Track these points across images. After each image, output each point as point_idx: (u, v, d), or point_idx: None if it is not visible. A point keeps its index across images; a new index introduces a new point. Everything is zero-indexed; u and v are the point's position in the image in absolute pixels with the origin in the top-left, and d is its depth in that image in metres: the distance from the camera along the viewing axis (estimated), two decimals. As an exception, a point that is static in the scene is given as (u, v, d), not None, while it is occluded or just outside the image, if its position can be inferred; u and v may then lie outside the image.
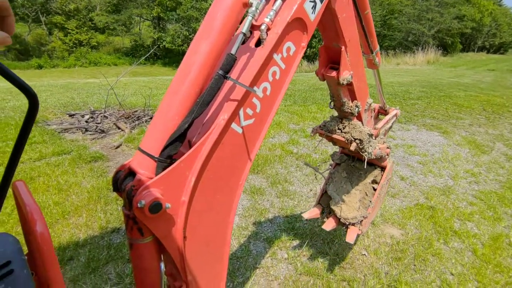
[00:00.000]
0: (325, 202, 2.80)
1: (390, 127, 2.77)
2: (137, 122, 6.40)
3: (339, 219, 2.60)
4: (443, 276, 2.96)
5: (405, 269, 3.03)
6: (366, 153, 2.27)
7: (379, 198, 2.72)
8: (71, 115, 6.89)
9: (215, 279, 1.49)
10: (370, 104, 2.41)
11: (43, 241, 0.86)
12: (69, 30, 33.96)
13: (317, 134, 2.40)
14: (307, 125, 7.20)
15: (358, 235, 2.57)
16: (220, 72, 1.13)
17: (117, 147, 5.41)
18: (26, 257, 1.08)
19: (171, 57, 36.17)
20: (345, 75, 1.93)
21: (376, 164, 2.77)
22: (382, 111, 2.79)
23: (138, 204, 1.01)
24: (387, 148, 2.64)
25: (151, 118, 6.90)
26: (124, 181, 1.14)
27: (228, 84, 1.24)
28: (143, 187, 1.04)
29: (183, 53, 35.88)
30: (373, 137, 2.32)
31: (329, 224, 2.63)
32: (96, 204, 3.74)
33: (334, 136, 2.29)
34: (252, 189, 4.30)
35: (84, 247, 3.06)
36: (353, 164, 2.83)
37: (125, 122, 6.30)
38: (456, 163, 5.60)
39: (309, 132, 6.55)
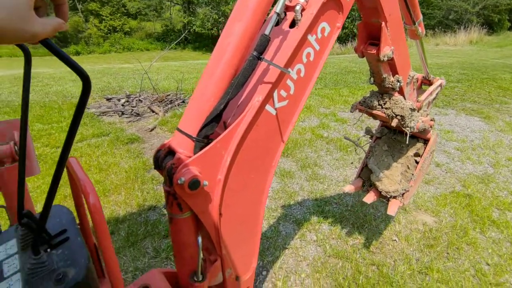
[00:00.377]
0: (365, 176, 2.79)
1: (434, 98, 2.63)
2: (169, 106, 6.58)
3: (380, 192, 2.60)
4: (478, 266, 2.88)
5: (437, 257, 2.98)
6: (408, 128, 2.21)
7: (422, 171, 2.65)
8: (108, 99, 7.21)
9: (248, 255, 1.55)
10: (413, 77, 2.31)
11: (95, 211, 0.94)
12: (104, 17, 34.98)
13: (357, 110, 2.36)
14: (338, 108, 7.07)
15: (399, 207, 2.55)
16: (254, 53, 1.14)
17: (152, 129, 5.62)
18: (79, 227, 1.19)
19: (201, 41, 36.37)
20: (386, 51, 1.86)
21: (419, 136, 2.68)
22: (426, 81, 2.65)
23: (178, 181, 1.07)
24: (431, 120, 2.52)
25: (183, 102, 7.06)
26: (164, 160, 1.21)
27: (262, 65, 1.26)
28: (182, 165, 1.10)
29: (212, 37, 36.02)
30: (416, 111, 2.23)
31: (370, 197, 2.63)
32: (134, 183, 3.95)
33: (375, 112, 2.25)
34: (282, 172, 4.34)
35: (123, 223, 3.26)
36: (394, 137, 2.76)
37: (158, 106, 6.51)
38: (498, 150, 5.30)
39: (340, 116, 6.45)
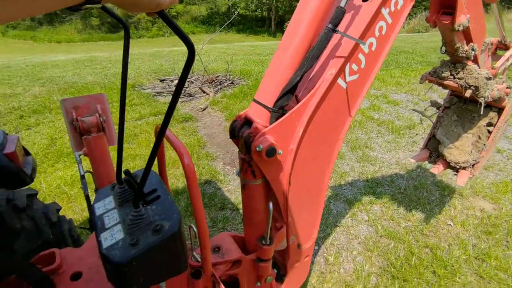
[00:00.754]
0: (433, 147, 2.71)
1: (511, 64, 2.46)
2: (219, 87, 6.77)
3: (449, 163, 2.52)
4: (543, 255, 2.72)
5: (496, 244, 2.85)
6: (482, 98, 2.09)
7: (494, 141, 2.52)
8: (161, 80, 7.58)
9: (310, 225, 1.63)
10: (488, 43, 2.17)
11: (189, 171, 1.05)
12: (152, 2, 36.01)
13: (427, 81, 2.26)
14: (389, 90, 6.79)
15: (469, 178, 2.48)
16: (330, 25, 1.17)
17: (204, 109, 5.85)
18: (166, 187, 1.34)
19: (245, 23, 36.24)
20: (461, 20, 1.77)
21: (493, 105, 2.51)
22: (502, 46, 2.45)
23: (257, 148, 1.16)
24: (507, 88, 2.36)
25: (232, 83, 7.21)
26: (241, 129, 1.30)
27: (334, 39, 1.28)
28: (260, 134, 1.18)
29: (256, 19, 35.61)
30: (491, 79, 2.10)
31: (437, 168, 2.56)
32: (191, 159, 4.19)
33: (446, 82, 2.15)
34: (331, 153, 4.33)
35: (182, 194, 3.51)
36: (465, 106, 2.61)
37: (209, 87, 6.72)
38: None
39: (392, 98, 6.20)
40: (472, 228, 3.05)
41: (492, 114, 2.51)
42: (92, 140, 1.90)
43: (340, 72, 1.28)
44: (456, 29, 1.78)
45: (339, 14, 1.17)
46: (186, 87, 6.82)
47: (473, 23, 1.86)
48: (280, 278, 1.77)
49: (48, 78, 8.60)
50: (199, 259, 1.30)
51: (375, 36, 1.34)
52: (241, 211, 3.24)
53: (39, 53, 17.35)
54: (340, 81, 1.31)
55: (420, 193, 3.53)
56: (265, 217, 1.46)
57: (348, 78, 1.33)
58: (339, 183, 3.72)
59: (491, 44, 2.30)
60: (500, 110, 2.49)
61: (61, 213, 2.12)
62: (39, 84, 7.92)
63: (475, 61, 2.12)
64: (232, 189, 3.63)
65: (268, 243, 1.45)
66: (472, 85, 2.03)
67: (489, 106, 2.53)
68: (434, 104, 2.80)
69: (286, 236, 1.54)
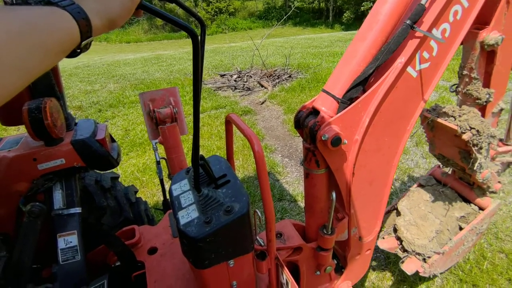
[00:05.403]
0: (389, 219, 2.29)
1: (510, 164, 2.09)
2: (277, 81, 6.82)
3: (402, 241, 2.07)
4: None
5: None
6: (478, 156, 1.71)
7: (463, 242, 2.02)
8: (222, 75, 7.86)
9: (373, 218, 1.61)
10: (501, 110, 1.87)
11: (259, 157, 1.12)
12: (210, 0, 37.23)
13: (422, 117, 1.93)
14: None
15: (417, 272, 1.95)
16: (408, 22, 1.14)
17: (262, 103, 5.96)
18: (234, 172, 1.43)
19: (302, 15, 35.72)
20: (494, 35, 1.56)
21: (473, 200, 2.09)
22: (502, 145, 2.10)
23: (323, 137, 1.18)
24: (498, 182, 1.97)
25: (289, 76, 7.22)
26: (306, 119, 1.33)
27: (411, 34, 1.24)
28: (326, 123, 1.20)
29: (313, 11, 34.85)
30: (495, 139, 1.73)
31: (386, 243, 2.14)
32: (249, 151, 4.33)
33: (443, 121, 1.78)
34: (394, 148, 4.15)
35: (244, 183, 3.64)
36: (442, 190, 2.21)
37: (267, 81, 6.82)
38: None
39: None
40: (561, 235, 2.72)
41: (469, 210, 2.07)
42: (167, 130, 2.08)
43: (410, 60, 1.25)
44: (486, 43, 1.56)
45: (419, 11, 1.15)
46: (245, 82, 7.00)
47: (501, 57, 1.63)
48: (339, 269, 1.78)
49: (121, 75, 9.44)
50: (262, 243, 1.37)
51: (449, 21, 1.27)
52: (299, 202, 3.27)
53: (111, 53, 19.06)
54: (410, 69, 1.27)
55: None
56: (327, 207, 1.48)
57: (419, 66, 1.29)
58: (402, 179, 3.56)
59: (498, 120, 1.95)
60: (480, 210, 2.07)
61: (137, 195, 2.37)
62: (113, 81, 8.74)
63: (483, 112, 1.83)
64: (290, 181, 3.67)
65: (329, 232, 1.47)
66: (474, 128, 1.68)
67: (467, 201, 2.12)
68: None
69: (347, 227, 1.55)
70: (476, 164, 1.75)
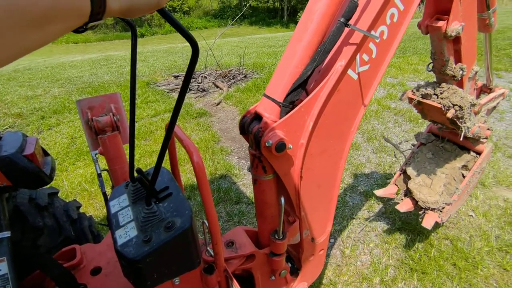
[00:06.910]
0: (402, 183, 2.57)
1: (494, 108, 2.35)
2: (233, 81, 6.77)
3: (417, 201, 2.36)
4: None
5: (521, 235, 2.76)
6: (464, 125, 1.97)
7: (468, 186, 2.35)
8: (175, 77, 7.64)
9: (324, 219, 1.62)
10: (476, 73, 2.07)
11: (199, 168, 1.06)
12: (164, -3, 36.24)
13: (407, 100, 2.14)
14: (406, 78, 6.62)
15: (436, 223, 2.30)
16: (342, 19, 1.14)
17: (218, 104, 5.88)
18: (178, 184, 1.35)
19: (257, 15, 35.99)
20: (455, 26, 1.69)
21: (470, 148, 2.40)
22: (486, 90, 2.37)
23: (266, 144, 1.15)
24: (488, 129, 2.26)
25: (245, 77, 7.19)
26: (250, 125, 1.29)
27: (346, 32, 1.25)
28: (269, 129, 1.17)
29: (268, 10, 35.28)
30: (474, 112, 2.00)
31: (404, 206, 2.41)
32: (205, 154, 4.23)
33: (428, 101, 2.02)
34: (347, 144, 4.27)
35: (198, 190, 3.55)
36: (442, 145, 2.49)
37: (222, 81, 6.73)
38: None
39: (409, 86, 6.03)
40: (495, 219, 2.95)
41: (468, 157, 2.39)
42: (107, 139, 1.94)
43: (350, 63, 1.26)
44: (449, 34, 1.70)
45: (352, 8, 1.15)
46: (200, 83, 6.86)
47: (465, 39, 1.79)
48: (294, 271, 1.77)
49: (66, 78, 8.83)
50: (213, 254, 1.32)
51: (386, 24, 1.30)
52: (256, 205, 3.25)
53: (57, 54, 17.82)
54: (350, 72, 1.28)
55: (439, 183, 3.44)
56: (277, 212, 1.46)
57: (359, 69, 1.30)
58: (355, 174, 3.67)
59: (476, 83, 2.21)
60: (477, 154, 2.39)
61: (82, 210, 2.19)
62: (58, 85, 8.15)
63: (461, 85, 2.04)
64: (247, 183, 3.64)
65: (281, 237, 1.45)
66: (456, 105, 1.91)
67: (466, 149, 2.42)
68: (418, 137, 2.67)
69: (299, 230, 1.54)
70: (464, 128, 1.99)
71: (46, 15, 0.44)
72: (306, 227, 1.55)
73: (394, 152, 3.94)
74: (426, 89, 2.05)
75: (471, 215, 3.04)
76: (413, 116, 4.90)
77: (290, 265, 1.72)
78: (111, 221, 1.22)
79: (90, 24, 0.56)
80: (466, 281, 2.38)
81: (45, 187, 1.75)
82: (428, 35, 1.86)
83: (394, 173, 3.62)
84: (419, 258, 2.59)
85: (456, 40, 1.80)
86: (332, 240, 2.81)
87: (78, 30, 0.58)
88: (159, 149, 0.97)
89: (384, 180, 3.53)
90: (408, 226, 2.89)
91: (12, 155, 1.44)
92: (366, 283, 2.42)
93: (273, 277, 1.63)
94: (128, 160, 2.11)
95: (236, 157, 4.22)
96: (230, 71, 7.34)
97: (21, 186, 1.50)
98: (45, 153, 1.72)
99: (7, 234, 1.44)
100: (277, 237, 1.46)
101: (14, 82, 8.78)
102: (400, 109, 5.20)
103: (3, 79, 9.20)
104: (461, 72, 1.92)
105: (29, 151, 1.51)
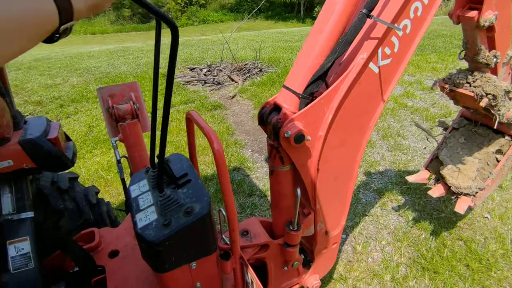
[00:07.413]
0: (434, 168, 2.53)
1: None
2: (248, 74, 6.77)
3: (449, 187, 2.34)
4: None
5: (538, 239, 2.70)
6: (498, 113, 1.93)
7: (502, 170, 2.31)
8: (191, 69, 7.69)
9: (338, 212, 1.63)
10: (511, 58, 2.01)
11: (219, 156, 1.08)
12: (180, -9, 36.28)
13: (439, 88, 2.13)
14: (424, 76, 6.49)
15: (469, 207, 2.28)
16: (364, 11, 1.14)
17: (232, 97, 5.90)
18: (196, 171, 1.38)
19: (273, 9, 35.67)
20: (488, 16, 1.66)
21: (505, 131, 2.33)
22: None
23: (285, 135, 1.16)
24: None
25: (260, 71, 7.18)
26: (269, 116, 1.30)
27: (367, 22, 1.24)
28: (288, 120, 1.18)
29: (285, 4, 34.91)
30: (509, 97, 1.95)
31: (437, 191, 2.40)
32: (219, 147, 4.26)
33: (460, 90, 1.98)
34: (361, 141, 4.24)
35: (212, 181, 3.59)
36: (475, 129, 2.44)
37: (237, 75, 6.75)
38: None
39: (427, 84, 5.92)
40: (511, 221, 2.90)
41: (503, 142, 2.31)
42: (127, 127, 1.98)
43: (372, 56, 1.25)
44: (482, 25, 1.66)
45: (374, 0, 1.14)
46: (215, 76, 6.89)
47: (499, 26, 1.73)
48: (307, 264, 1.78)
49: (84, 68, 8.99)
50: (228, 242, 1.34)
51: (409, 18, 1.28)
52: (269, 197, 3.27)
53: (75, 45, 18.11)
54: (371, 65, 1.27)
55: (455, 183, 3.38)
56: (293, 203, 1.47)
57: (380, 62, 1.29)
58: (369, 171, 3.65)
59: None
60: None
61: (99, 196, 2.25)
62: (76, 75, 8.31)
63: (495, 72, 1.98)
64: (260, 176, 3.66)
65: (295, 228, 1.47)
66: (490, 94, 1.86)
67: (500, 133, 2.34)
68: (441, 124, 2.62)
69: (313, 222, 1.55)
70: (498, 116, 1.95)
71: (14, 29, 0.45)
72: (320, 220, 1.56)
73: (427, 137, 3.87)
74: (458, 77, 2.01)
75: (487, 217, 2.99)
76: (430, 115, 4.82)
77: (303, 257, 1.74)
78: (131, 205, 1.26)
79: (63, 27, 0.57)
80: (479, 283, 2.35)
81: (65, 171, 1.82)
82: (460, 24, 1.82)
83: (409, 172, 3.58)
84: (431, 258, 2.56)
85: (490, 28, 1.76)
86: (344, 236, 2.81)
87: (52, 39, 0.59)
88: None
89: (398, 178, 3.49)
90: (421, 225, 2.87)
91: (37, 138, 1.50)
92: (377, 280, 2.42)
93: (285, 268, 1.64)
94: (146, 148, 2.16)
95: (250, 150, 4.24)
96: (245, 65, 7.35)
97: (45, 168, 1.56)
98: (68, 138, 1.78)
99: (30, 214, 1.50)
100: (291, 228, 1.47)
101: (35, 71, 8.99)
102: (417, 107, 5.11)
103: (24, 67, 9.43)
104: (494, 59, 1.88)
105: (53, 135, 1.56)
